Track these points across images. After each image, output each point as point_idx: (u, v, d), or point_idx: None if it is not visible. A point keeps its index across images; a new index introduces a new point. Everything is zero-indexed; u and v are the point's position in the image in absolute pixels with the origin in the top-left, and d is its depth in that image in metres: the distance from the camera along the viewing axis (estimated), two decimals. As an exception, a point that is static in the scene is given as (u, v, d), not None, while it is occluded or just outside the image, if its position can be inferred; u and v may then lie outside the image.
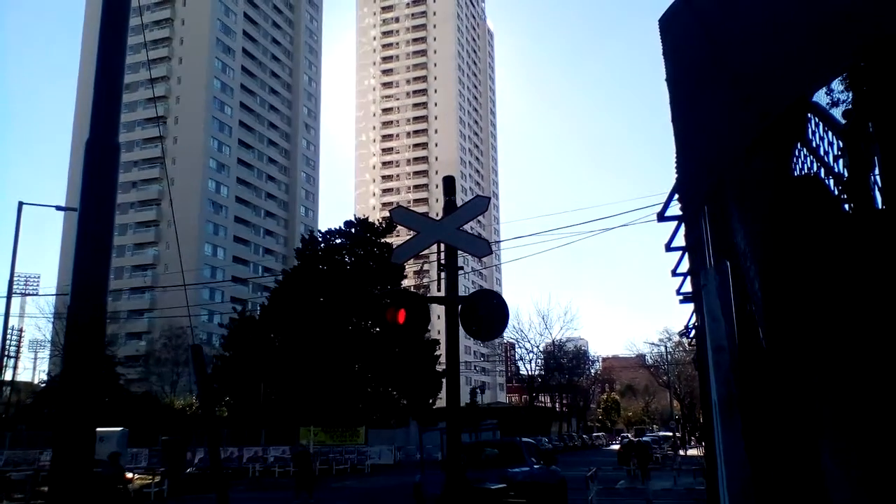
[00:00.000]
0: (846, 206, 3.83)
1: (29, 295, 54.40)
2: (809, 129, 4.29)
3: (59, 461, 3.93)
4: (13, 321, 57.59)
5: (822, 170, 4.19)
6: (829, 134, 4.08)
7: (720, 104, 2.96)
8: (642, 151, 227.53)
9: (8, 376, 51.30)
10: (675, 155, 3.79)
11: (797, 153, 4.62)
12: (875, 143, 3.70)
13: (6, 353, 35.79)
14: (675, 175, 3.66)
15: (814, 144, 4.29)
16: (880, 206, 3.56)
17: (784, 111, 2.47)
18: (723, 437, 2.80)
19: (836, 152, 4.04)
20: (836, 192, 3.98)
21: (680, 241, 6.68)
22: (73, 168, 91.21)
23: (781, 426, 2.50)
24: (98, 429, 4.73)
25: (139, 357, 77.45)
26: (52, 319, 61.75)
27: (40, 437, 42.98)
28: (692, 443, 66.15)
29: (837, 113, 4.32)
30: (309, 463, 21.46)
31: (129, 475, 20.28)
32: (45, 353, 68.87)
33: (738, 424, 2.67)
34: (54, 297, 62.87)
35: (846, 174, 3.85)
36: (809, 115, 4.15)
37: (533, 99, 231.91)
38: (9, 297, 26.69)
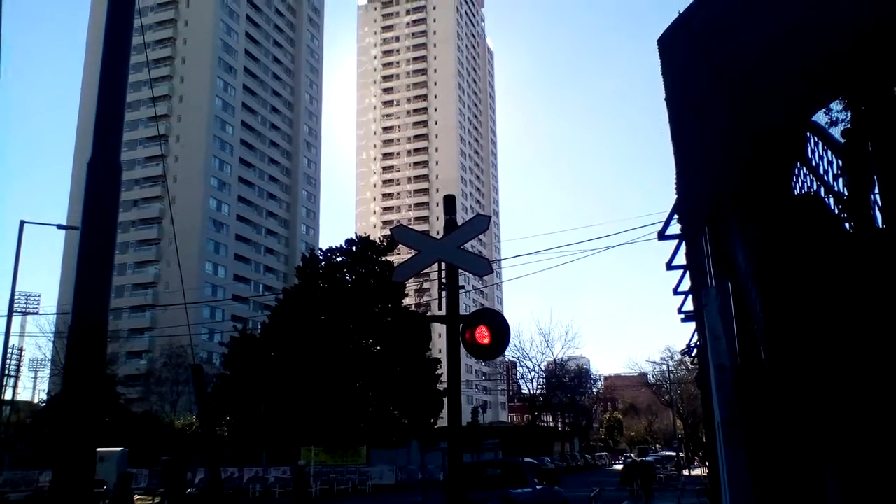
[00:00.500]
0: (847, 225, 3.83)
1: (29, 314, 54.39)
2: (809, 149, 4.31)
3: (59, 482, 3.91)
4: (13, 340, 57.49)
5: (822, 188, 4.20)
6: (829, 153, 4.10)
7: (719, 123, 2.98)
8: (644, 169, 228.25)
9: (8, 395, 51.15)
10: (674, 174, 3.80)
11: (797, 172, 4.64)
12: (874, 162, 3.71)
13: (6, 372, 35.74)
14: (675, 195, 3.66)
15: (813, 163, 4.30)
16: (881, 225, 3.56)
17: (783, 131, 2.48)
18: (726, 457, 2.78)
19: (835, 171, 4.06)
20: (837, 211, 3.99)
21: (681, 259, 6.67)
22: (74, 187, 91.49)
23: (784, 445, 2.48)
24: (98, 449, 4.71)
25: (139, 376, 77.21)
26: (52, 338, 61.66)
27: (40, 457, 42.70)
28: (696, 462, 65.70)
29: (836, 132, 4.32)
30: (303, 483, 21.32)
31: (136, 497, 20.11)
32: (45, 373, 68.69)
33: (741, 443, 2.65)
34: (55, 315, 62.85)
35: (846, 193, 3.86)
36: (809, 134, 4.16)
37: (533, 117, 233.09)
38: (9, 316, 26.65)
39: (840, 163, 3.82)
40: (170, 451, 39.73)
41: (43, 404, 64.74)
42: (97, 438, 4.12)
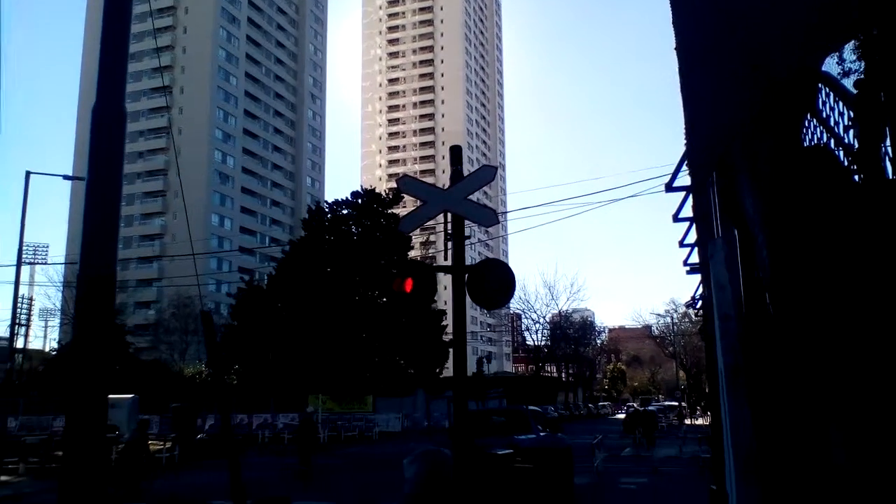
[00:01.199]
0: (856, 177, 3.81)
1: (38, 264, 54.70)
2: (820, 100, 4.25)
3: (72, 426, 4.00)
4: (23, 290, 58.04)
5: (833, 140, 4.17)
6: (840, 104, 4.05)
7: (730, 72, 2.95)
8: (653, 121, 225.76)
9: (19, 344, 51.81)
10: (683, 124, 3.77)
11: (807, 124, 4.58)
12: (887, 113, 3.67)
13: (17, 320, 36.20)
14: (685, 144, 3.63)
15: (824, 115, 4.25)
16: (891, 177, 3.55)
17: (794, 77, 2.45)
18: (728, 406, 2.83)
19: (846, 123, 4.02)
20: (847, 163, 3.96)
21: (688, 211, 6.66)
22: (79, 138, 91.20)
23: (787, 393, 2.52)
24: (110, 395, 4.80)
25: (148, 326, 78.20)
26: (61, 288, 62.24)
27: (52, 404, 43.57)
28: (697, 413, 66.59)
29: (849, 83, 4.26)
30: (311, 429, 21.75)
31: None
32: (55, 322, 69.60)
33: (744, 392, 2.70)
34: (63, 265, 63.33)
35: (856, 145, 3.83)
36: (820, 84, 4.11)
37: (541, 68, 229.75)
38: (18, 266, 26.86)
39: (851, 114, 3.78)
40: (179, 399, 40.49)
41: (54, 352, 65.74)
42: (108, 385, 4.19)
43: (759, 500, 2.52)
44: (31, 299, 51.22)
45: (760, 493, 2.54)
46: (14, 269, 27.27)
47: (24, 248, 29.39)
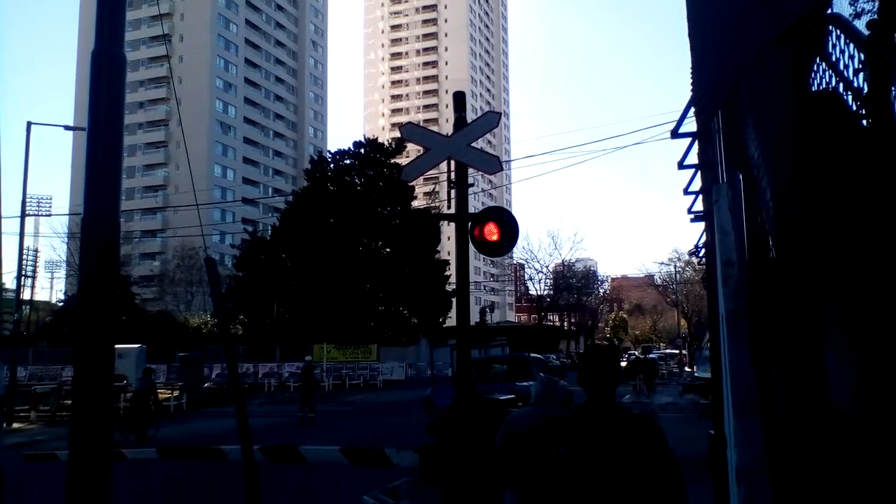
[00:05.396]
0: (864, 122, 3.76)
1: (42, 216, 54.74)
2: (829, 43, 4.17)
3: (80, 375, 4.04)
4: (28, 241, 58.20)
5: (841, 84, 4.09)
6: (851, 46, 3.97)
7: (738, 6, 2.88)
8: (659, 68, 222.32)
9: (26, 295, 52.25)
10: (690, 67, 3.69)
11: (815, 68, 4.50)
12: (898, 54, 3.59)
13: (23, 272, 36.43)
14: (691, 87, 3.58)
15: (833, 58, 4.17)
16: (900, 120, 3.48)
17: (804, 8, 2.40)
18: (729, 350, 2.84)
19: (856, 66, 3.93)
20: (855, 108, 3.90)
21: (693, 158, 6.59)
22: (79, 89, 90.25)
23: (787, 333, 2.54)
24: (117, 346, 4.84)
25: (153, 277, 78.64)
26: (66, 240, 62.43)
27: (60, 354, 44.22)
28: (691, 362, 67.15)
29: (861, 25, 4.17)
30: (309, 377, 22.12)
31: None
32: (61, 273, 70.05)
33: (745, 335, 2.71)
34: (67, 216, 63.36)
35: (866, 88, 3.76)
36: (830, 27, 4.03)
37: (546, 17, 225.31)
38: (22, 218, 26.89)
39: (862, 56, 3.70)
40: (186, 349, 41.00)
41: (61, 304, 66.34)
42: (115, 334, 4.22)
43: (755, 437, 2.56)
44: (36, 251, 51.42)
45: (758, 430, 2.58)
46: (19, 220, 27.29)
47: (28, 199, 29.32)
